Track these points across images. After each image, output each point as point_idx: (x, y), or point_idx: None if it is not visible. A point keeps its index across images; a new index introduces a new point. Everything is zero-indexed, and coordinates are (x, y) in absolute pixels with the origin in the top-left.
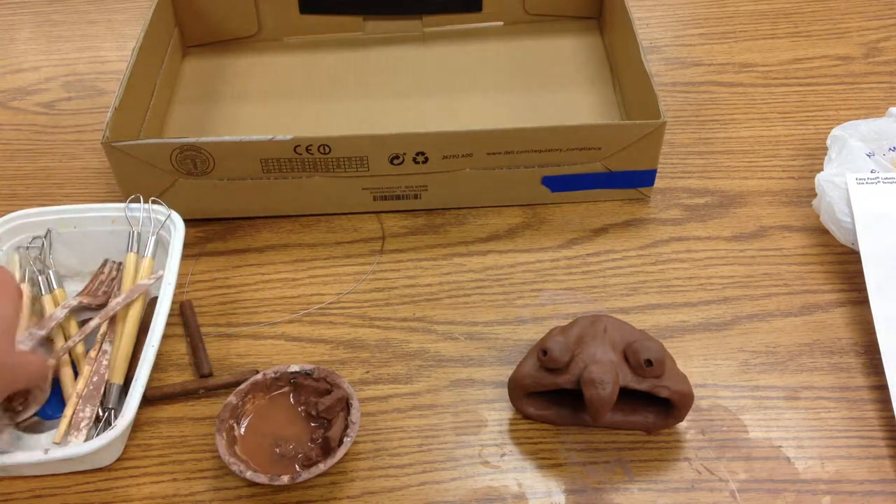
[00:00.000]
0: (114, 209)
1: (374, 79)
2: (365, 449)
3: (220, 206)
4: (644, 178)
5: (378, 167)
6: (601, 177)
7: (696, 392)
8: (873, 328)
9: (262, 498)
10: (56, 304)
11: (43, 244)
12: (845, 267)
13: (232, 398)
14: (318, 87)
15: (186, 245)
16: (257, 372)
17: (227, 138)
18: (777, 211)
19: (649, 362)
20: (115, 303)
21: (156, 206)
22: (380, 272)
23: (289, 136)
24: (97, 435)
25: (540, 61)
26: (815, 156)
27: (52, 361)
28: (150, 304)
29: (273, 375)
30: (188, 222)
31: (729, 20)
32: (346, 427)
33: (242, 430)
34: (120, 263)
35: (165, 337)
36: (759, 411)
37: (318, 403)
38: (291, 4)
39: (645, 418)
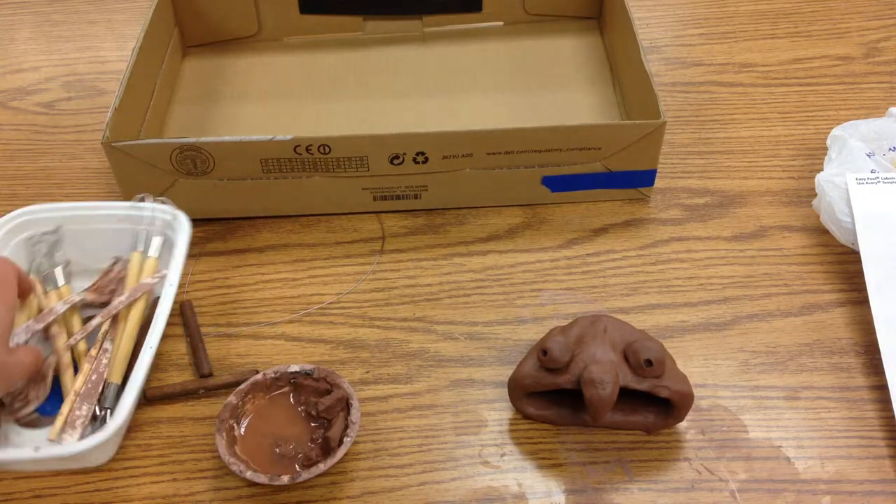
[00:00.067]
0: (121, 207)
1: (374, 79)
2: (365, 449)
3: (220, 206)
4: (644, 178)
5: (378, 167)
6: (601, 177)
7: (696, 392)
8: (873, 328)
9: (262, 498)
10: (61, 299)
11: (52, 240)
12: (845, 267)
13: (232, 398)
14: (318, 87)
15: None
16: (257, 372)
17: (227, 138)
18: (777, 211)
19: (649, 362)
20: (118, 301)
21: (163, 206)
22: (380, 272)
23: (289, 136)
24: (92, 434)
25: (540, 61)
26: (815, 156)
27: (52, 358)
28: (154, 304)
29: (273, 375)
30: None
31: (729, 20)
32: (346, 427)
33: (242, 430)
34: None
35: (165, 337)
36: (759, 411)
37: (318, 403)
38: (291, 4)
39: (645, 418)
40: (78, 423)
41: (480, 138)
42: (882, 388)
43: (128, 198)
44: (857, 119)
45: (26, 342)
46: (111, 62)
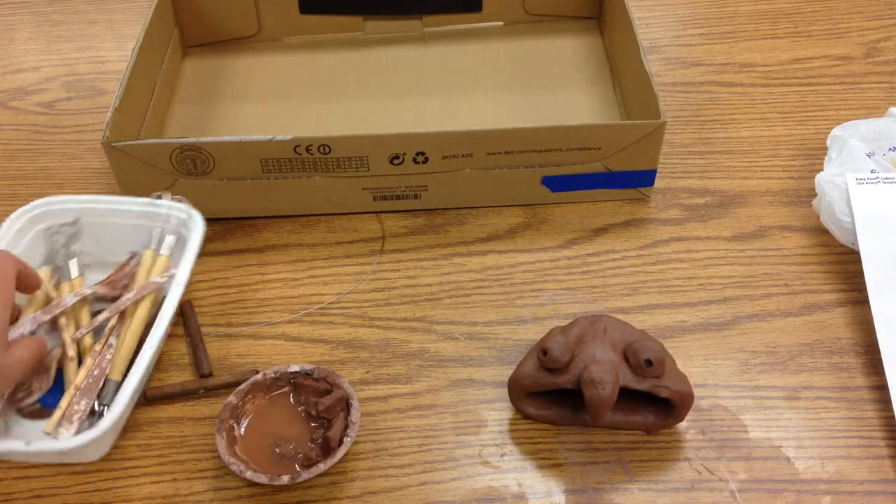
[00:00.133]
0: (139, 203)
1: (374, 79)
2: (365, 449)
3: (220, 206)
4: (644, 178)
5: (378, 167)
6: (601, 177)
7: (696, 392)
8: (873, 328)
9: (262, 498)
10: (73, 291)
11: (71, 231)
12: (845, 267)
13: (232, 398)
14: (318, 87)
15: None
16: (257, 372)
17: (227, 138)
18: (777, 211)
19: (649, 362)
20: (126, 298)
21: (179, 205)
22: (380, 272)
23: (289, 136)
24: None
25: (540, 61)
26: (815, 156)
27: (57, 350)
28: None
29: (273, 375)
30: None
31: (729, 20)
32: (346, 427)
33: (242, 430)
34: None
35: (166, 337)
36: (759, 411)
37: (318, 403)
38: (291, 4)
39: (645, 418)
40: (75, 417)
41: (480, 138)
42: (882, 388)
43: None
44: (857, 119)
45: (33, 333)
46: (111, 62)
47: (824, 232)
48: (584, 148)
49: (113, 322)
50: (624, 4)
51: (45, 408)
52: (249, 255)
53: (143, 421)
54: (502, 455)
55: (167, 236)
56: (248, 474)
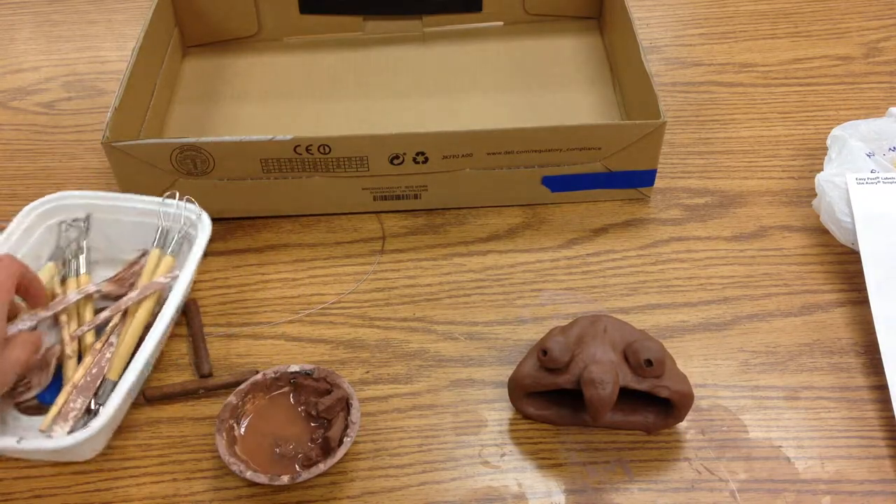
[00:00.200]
0: (150, 202)
1: (374, 79)
2: (365, 449)
3: (220, 206)
4: (644, 178)
5: (378, 167)
6: (601, 177)
7: (696, 392)
8: (873, 328)
9: (262, 498)
10: (79, 287)
11: (81, 227)
12: (845, 267)
13: (232, 398)
14: (318, 87)
15: None
16: (257, 372)
17: (227, 138)
18: (777, 211)
19: (649, 362)
20: (128, 297)
21: (189, 205)
22: (380, 272)
23: (289, 136)
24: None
25: (540, 61)
26: (815, 156)
27: (57, 347)
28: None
29: (273, 375)
30: None
31: (729, 20)
32: (346, 427)
33: (242, 430)
34: None
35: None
36: (759, 411)
37: (318, 403)
38: (291, 4)
39: (645, 418)
40: (71, 415)
41: (480, 138)
42: (882, 388)
43: None
44: (857, 119)
45: (34, 329)
46: (111, 62)
47: (824, 232)
48: (584, 148)
49: (115, 321)
50: (624, 4)
51: (43, 404)
52: (249, 255)
53: (143, 421)
54: (502, 455)
55: (174, 236)
56: (248, 474)
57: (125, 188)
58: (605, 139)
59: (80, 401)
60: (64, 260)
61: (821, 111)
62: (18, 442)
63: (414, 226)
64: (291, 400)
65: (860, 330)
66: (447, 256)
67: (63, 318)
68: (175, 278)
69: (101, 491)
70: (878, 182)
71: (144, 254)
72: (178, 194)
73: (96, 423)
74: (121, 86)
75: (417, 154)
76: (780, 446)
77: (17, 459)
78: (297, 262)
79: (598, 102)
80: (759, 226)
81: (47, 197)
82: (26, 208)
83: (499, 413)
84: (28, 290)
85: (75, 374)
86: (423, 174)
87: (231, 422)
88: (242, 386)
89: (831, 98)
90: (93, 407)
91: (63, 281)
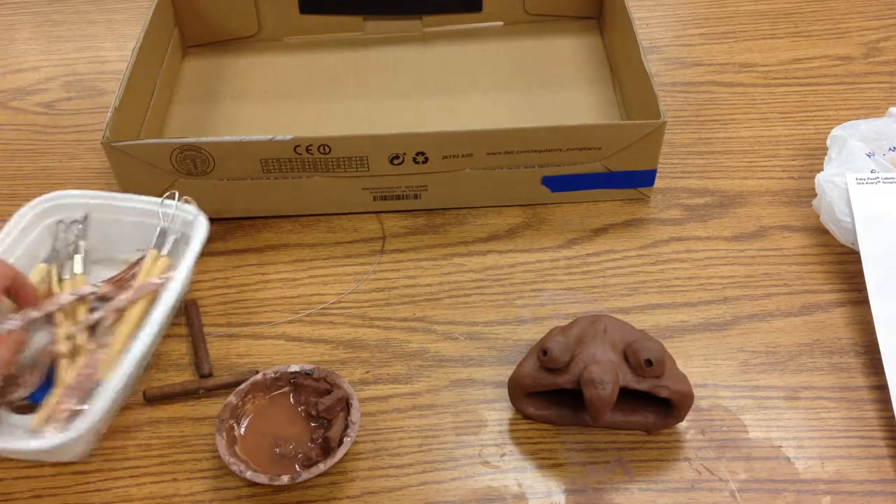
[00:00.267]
0: (148, 202)
1: (374, 79)
2: (365, 449)
3: (220, 206)
4: (644, 178)
5: (378, 167)
6: (601, 177)
7: (696, 392)
8: (873, 328)
9: (262, 498)
10: (74, 288)
11: (80, 227)
12: (845, 267)
13: (232, 398)
14: (318, 87)
15: None
16: (257, 372)
17: (227, 138)
18: (777, 211)
19: (649, 362)
20: (122, 298)
21: (186, 206)
22: (380, 272)
23: (289, 136)
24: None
25: (540, 61)
26: (815, 156)
27: (49, 347)
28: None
29: (273, 375)
30: None
31: (729, 20)
32: (346, 427)
33: (242, 430)
34: None
35: (165, 337)
36: (759, 411)
37: (318, 403)
38: (291, 4)
39: (645, 418)
40: (62, 416)
41: (480, 138)
42: (882, 388)
43: None
44: (857, 119)
45: (26, 329)
46: (111, 62)
47: (824, 232)
48: (584, 148)
49: (109, 322)
50: (624, 4)
51: (35, 403)
52: (249, 255)
53: (143, 421)
54: (502, 455)
55: (172, 237)
56: (248, 474)
57: (125, 188)
58: (605, 139)
59: (70, 401)
60: (61, 260)
61: (821, 111)
62: None
63: (414, 226)
64: (291, 400)
65: (860, 330)
66: (447, 256)
67: (58, 317)
68: (169, 279)
69: (101, 491)
70: (878, 182)
71: (144, 255)
72: (177, 194)
73: (81, 425)
74: (121, 86)
75: (417, 154)
76: (780, 446)
77: (16, 459)
78: (297, 262)
79: (598, 102)
80: (759, 226)
81: (45, 196)
82: (24, 208)
83: (499, 413)
84: (18, 294)
85: (67, 375)
86: (423, 174)
87: (231, 422)
88: (242, 386)
89: (831, 98)
90: (84, 408)
91: (60, 281)
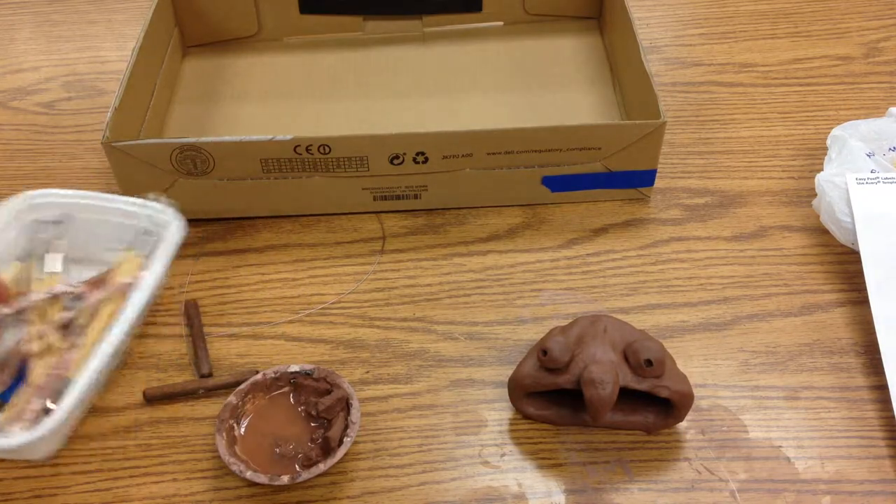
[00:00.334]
0: (127, 202)
1: (374, 79)
2: (365, 449)
3: (220, 206)
4: (644, 178)
5: (378, 167)
6: (601, 177)
7: (696, 392)
8: (873, 328)
9: (262, 498)
10: (50, 287)
11: (58, 226)
12: (845, 267)
13: (232, 398)
14: (318, 87)
15: (186, 245)
16: (257, 372)
17: (227, 138)
18: (777, 211)
19: (649, 362)
20: (94, 297)
21: (164, 207)
22: (380, 272)
23: (289, 136)
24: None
25: (540, 61)
26: (815, 156)
27: (19, 346)
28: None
29: (273, 375)
30: (188, 222)
31: (729, 20)
32: (346, 427)
33: (242, 430)
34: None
35: (165, 337)
36: (759, 411)
37: (318, 403)
38: (291, 4)
39: (645, 418)
40: (28, 415)
41: (480, 138)
42: (882, 388)
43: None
44: (857, 119)
45: None
46: (111, 62)
47: (824, 232)
48: (584, 148)
49: (82, 321)
50: (624, 4)
51: (4, 402)
52: (249, 255)
53: (143, 421)
54: (502, 455)
55: (148, 238)
56: (248, 474)
57: (125, 188)
58: (605, 139)
59: (38, 401)
60: (36, 259)
61: (821, 111)
62: None
63: (414, 226)
64: (291, 400)
65: (860, 330)
66: (447, 256)
67: (32, 316)
68: (141, 279)
69: (101, 491)
70: (878, 182)
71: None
72: (158, 196)
73: (47, 425)
74: (121, 86)
75: (417, 154)
76: (780, 446)
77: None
78: (297, 262)
79: (598, 102)
80: (759, 226)
81: (24, 195)
82: (1, 206)
83: (499, 413)
84: None
85: (38, 374)
86: (423, 174)
87: (231, 422)
88: (242, 386)
89: (831, 98)
90: (52, 407)
91: (35, 280)
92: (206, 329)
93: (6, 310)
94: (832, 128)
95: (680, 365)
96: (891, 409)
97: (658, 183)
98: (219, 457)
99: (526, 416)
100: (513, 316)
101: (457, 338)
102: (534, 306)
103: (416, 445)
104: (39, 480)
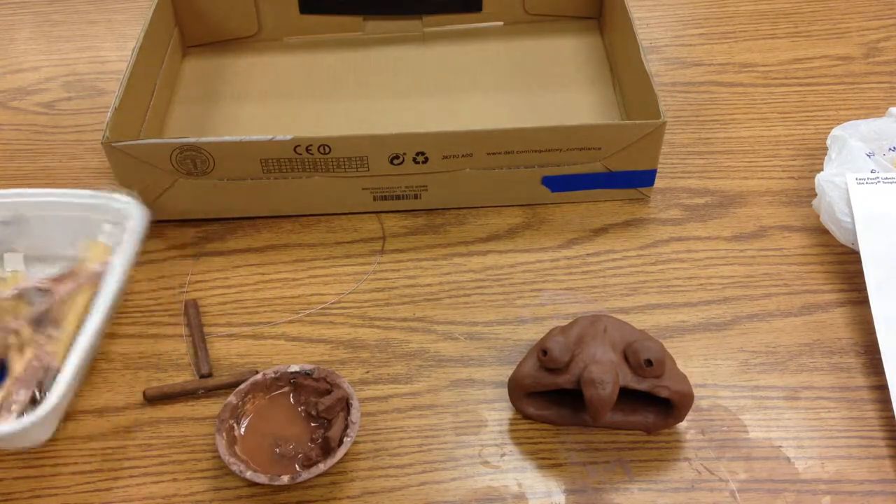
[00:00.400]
0: (82, 195)
1: (374, 79)
2: (365, 449)
3: (220, 206)
4: (644, 178)
5: (378, 167)
6: (601, 177)
7: (696, 392)
8: (873, 328)
9: (262, 498)
10: (14, 284)
11: (14, 225)
12: (845, 267)
13: (232, 398)
14: (318, 87)
15: (186, 245)
16: (257, 372)
17: (227, 138)
18: (777, 211)
19: (649, 362)
20: (65, 288)
21: (121, 196)
22: (380, 272)
23: (289, 136)
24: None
25: (540, 61)
26: (815, 156)
27: None
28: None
29: (273, 375)
30: (188, 222)
31: (729, 20)
32: (346, 427)
33: (242, 430)
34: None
35: (165, 337)
36: (759, 411)
37: (318, 403)
38: (291, 4)
39: (645, 418)
40: (13, 407)
41: (480, 138)
42: (882, 388)
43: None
44: (857, 119)
45: None
46: (111, 62)
47: (824, 232)
48: (584, 148)
49: (54, 313)
50: (624, 4)
51: None
52: (249, 255)
53: (143, 421)
54: (502, 455)
55: (108, 226)
56: (248, 474)
57: (125, 188)
58: (605, 139)
59: (23, 392)
60: None
61: (821, 111)
62: None
63: (414, 226)
64: (291, 400)
65: (860, 330)
66: (447, 256)
67: (3, 314)
68: (110, 263)
69: (101, 491)
70: (878, 182)
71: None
72: (110, 187)
73: (33, 415)
74: (121, 86)
75: (417, 154)
76: (780, 446)
77: (16, 459)
78: (297, 262)
79: (598, 102)
80: (759, 226)
81: None
82: None
83: (499, 413)
84: None
85: (16, 367)
86: (423, 174)
87: (231, 422)
88: (242, 386)
89: (831, 98)
90: (38, 397)
91: (1, 280)
92: (206, 329)
93: None
94: (832, 128)
95: (680, 365)
96: (891, 409)
97: (658, 183)
98: (219, 457)
99: (526, 416)
100: (513, 316)
101: (457, 338)
102: (534, 306)
103: (416, 445)
104: (39, 480)
